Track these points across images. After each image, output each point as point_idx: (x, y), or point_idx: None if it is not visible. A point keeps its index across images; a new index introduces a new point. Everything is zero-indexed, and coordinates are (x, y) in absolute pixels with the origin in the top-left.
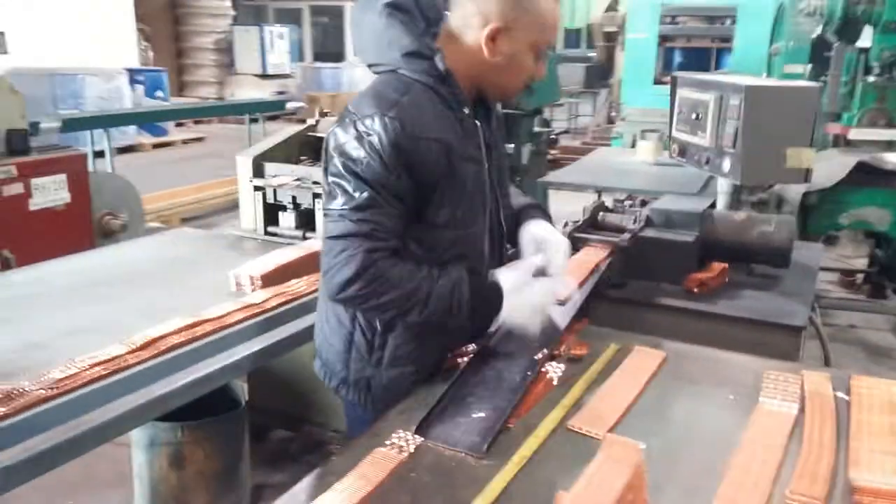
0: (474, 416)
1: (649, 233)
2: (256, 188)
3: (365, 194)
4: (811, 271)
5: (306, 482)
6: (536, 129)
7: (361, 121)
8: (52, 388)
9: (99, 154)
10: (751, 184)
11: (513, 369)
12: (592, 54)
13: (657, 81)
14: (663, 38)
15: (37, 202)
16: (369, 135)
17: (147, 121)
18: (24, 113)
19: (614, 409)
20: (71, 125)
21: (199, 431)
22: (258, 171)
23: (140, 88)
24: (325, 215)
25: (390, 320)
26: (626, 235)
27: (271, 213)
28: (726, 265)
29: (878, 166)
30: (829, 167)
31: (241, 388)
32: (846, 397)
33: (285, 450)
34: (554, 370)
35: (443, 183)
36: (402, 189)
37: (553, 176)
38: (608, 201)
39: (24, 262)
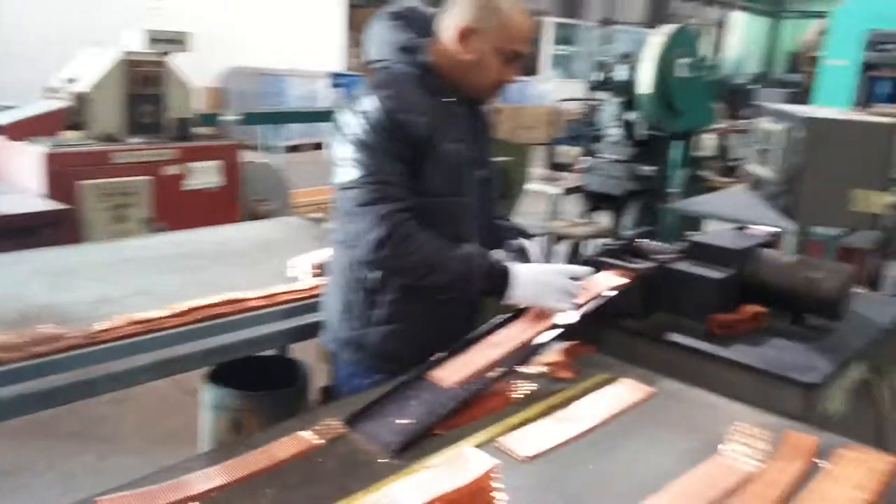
0: (406, 418)
1: (679, 265)
2: None
3: (373, 162)
4: (874, 328)
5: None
6: (694, 153)
7: (359, 104)
8: (89, 338)
9: (293, 148)
10: (809, 226)
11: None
12: (794, 79)
13: None
14: (867, 66)
15: (192, 182)
16: (366, 112)
17: (306, 121)
18: (190, 104)
19: (557, 435)
20: (250, 119)
21: (256, 401)
22: None
23: (340, 91)
24: (342, 190)
25: (384, 280)
26: (649, 264)
27: None
28: (762, 309)
29: None
30: None
31: (310, 369)
32: (825, 465)
33: None
34: (520, 387)
35: (427, 154)
36: (399, 153)
37: (683, 203)
38: None
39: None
